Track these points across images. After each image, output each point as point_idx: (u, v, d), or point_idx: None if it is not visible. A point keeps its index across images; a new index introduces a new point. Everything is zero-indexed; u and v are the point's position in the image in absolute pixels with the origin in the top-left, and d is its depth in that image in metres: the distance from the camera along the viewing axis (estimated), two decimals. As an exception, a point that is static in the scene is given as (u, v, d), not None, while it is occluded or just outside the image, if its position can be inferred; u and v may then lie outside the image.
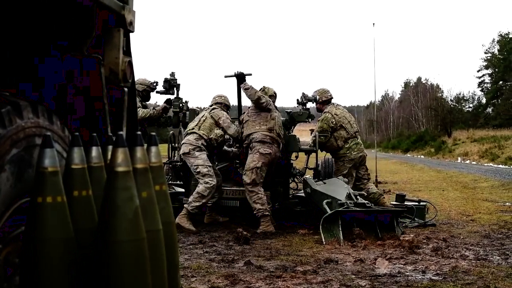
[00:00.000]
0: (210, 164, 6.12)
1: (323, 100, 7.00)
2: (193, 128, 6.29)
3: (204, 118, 6.33)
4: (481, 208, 8.07)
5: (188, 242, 5.19)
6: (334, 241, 5.08)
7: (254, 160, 6.07)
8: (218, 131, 6.28)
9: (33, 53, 1.94)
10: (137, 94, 6.23)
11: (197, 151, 6.11)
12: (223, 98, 6.67)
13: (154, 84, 7.06)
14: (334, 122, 6.80)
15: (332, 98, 7.06)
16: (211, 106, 6.60)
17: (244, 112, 6.62)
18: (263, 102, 6.18)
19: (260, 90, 6.44)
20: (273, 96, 6.59)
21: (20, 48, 1.94)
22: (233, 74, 6.41)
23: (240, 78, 6.33)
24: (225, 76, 6.57)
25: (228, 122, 6.35)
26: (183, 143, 6.28)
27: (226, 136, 6.58)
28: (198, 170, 6.01)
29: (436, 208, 6.94)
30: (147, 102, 7.36)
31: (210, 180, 5.95)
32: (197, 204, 5.88)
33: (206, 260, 4.43)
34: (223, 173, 6.53)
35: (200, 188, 5.93)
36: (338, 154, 6.83)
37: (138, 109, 6.86)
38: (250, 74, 6.39)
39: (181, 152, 6.26)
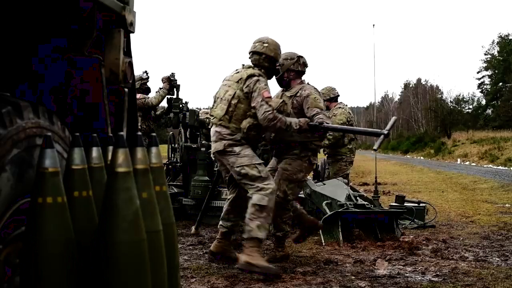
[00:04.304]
0: (260, 162, 4.13)
1: (331, 97, 6.96)
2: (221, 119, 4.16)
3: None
4: (481, 209, 8.07)
5: (188, 243, 5.18)
6: (334, 242, 5.08)
7: (301, 170, 4.47)
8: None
9: (33, 54, 1.94)
10: (138, 92, 6.24)
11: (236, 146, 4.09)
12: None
13: (145, 74, 7.08)
14: (350, 118, 6.83)
15: (339, 95, 7.05)
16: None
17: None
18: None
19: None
20: None
21: (20, 48, 1.94)
22: None
23: None
24: None
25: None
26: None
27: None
28: (244, 172, 4.01)
29: (435, 209, 6.93)
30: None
31: (266, 184, 3.97)
32: (258, 223, 3.88)
33: (206, 261, 4.42)
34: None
35: (255, 197, 3.93)
36: (339, 151, 6.78)
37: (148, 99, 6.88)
38: None
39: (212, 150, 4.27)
